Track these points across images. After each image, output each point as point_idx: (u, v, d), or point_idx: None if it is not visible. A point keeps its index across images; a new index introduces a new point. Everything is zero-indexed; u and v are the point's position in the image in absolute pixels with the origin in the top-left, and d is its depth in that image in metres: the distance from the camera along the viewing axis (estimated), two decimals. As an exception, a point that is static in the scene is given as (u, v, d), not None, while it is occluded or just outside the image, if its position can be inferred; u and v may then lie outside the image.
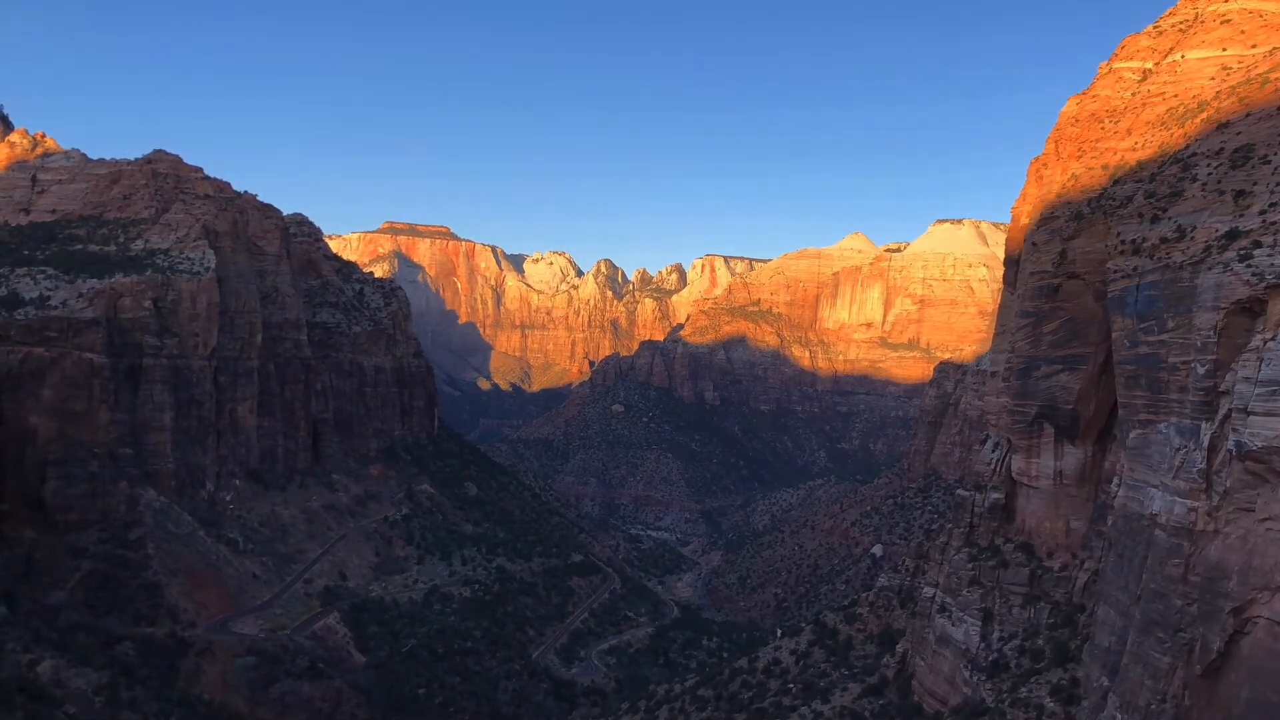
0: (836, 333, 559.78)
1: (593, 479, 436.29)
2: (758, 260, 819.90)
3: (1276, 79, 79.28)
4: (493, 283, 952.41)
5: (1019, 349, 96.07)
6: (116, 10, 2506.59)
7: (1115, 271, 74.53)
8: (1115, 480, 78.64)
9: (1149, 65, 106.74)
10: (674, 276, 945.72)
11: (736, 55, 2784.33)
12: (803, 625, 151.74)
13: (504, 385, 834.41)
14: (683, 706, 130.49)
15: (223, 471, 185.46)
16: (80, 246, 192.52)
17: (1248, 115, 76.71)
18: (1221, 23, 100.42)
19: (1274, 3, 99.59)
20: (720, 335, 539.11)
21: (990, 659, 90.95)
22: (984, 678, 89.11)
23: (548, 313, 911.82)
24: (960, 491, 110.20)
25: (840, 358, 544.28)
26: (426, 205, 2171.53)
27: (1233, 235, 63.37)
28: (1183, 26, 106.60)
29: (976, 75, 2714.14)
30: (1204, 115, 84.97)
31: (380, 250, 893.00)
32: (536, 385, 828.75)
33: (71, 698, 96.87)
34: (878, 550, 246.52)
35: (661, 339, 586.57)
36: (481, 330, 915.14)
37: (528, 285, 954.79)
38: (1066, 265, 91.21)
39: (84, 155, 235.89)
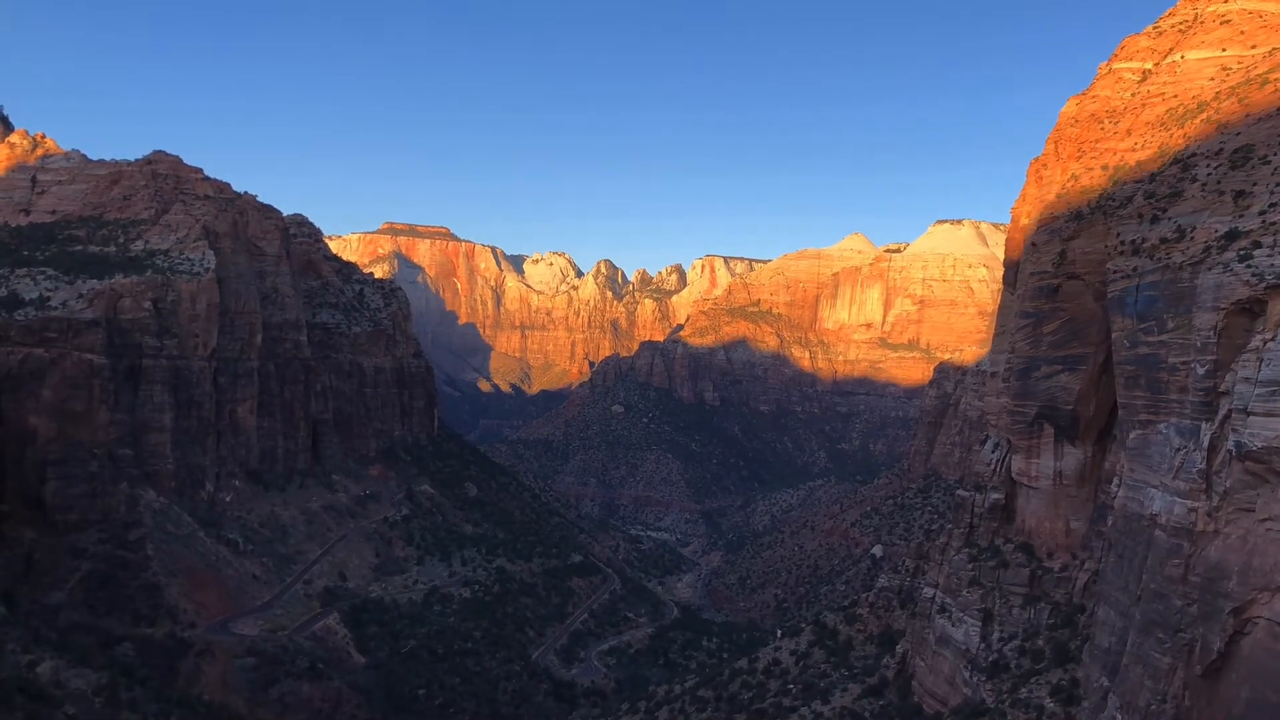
0: (836, 333, 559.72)
1: (593, 479, 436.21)
2: (757, 260, 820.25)
3: (1276, 79, 79.29)
4: (493, 283, 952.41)
5: (1019, 349, 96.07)
6: (116, 10, 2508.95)
7: (1115, 272, 74.53)
8: (1115, 480, 78.63)
9: (1149, 66, 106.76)
10: (674, 277, 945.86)
11: (736, 55, 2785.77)
12: (803, 626, 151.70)
13: (504, 386, 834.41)
14: (683, 707, 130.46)
15: (222, 472, 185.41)
16: (80, 247, 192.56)
17: (1247, 116, 76.74)
18: (1221, 23, 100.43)
19: (1274, 3, 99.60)
20: (720, 336, 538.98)
21: (990, 659, 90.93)
22: (984, 678, 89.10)
23: (548, 313, 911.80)
24: (960, 492, 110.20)
25: (840, 358, 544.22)
26: (426, 205, 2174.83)
27: (1232, 235, 63.37)
28: (1182, 27, 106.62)
29: (976, 75, 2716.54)
30: (1204, 116, 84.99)
31: (380, 251, 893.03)
32: (536, 386, 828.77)
33: (71, 698, 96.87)
34: (878, 551, 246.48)
35: (661, 339, 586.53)
36: (481, 331, 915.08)
37: (528, 286, 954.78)
38: (1066, 265, 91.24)
39: (84, 156, 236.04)
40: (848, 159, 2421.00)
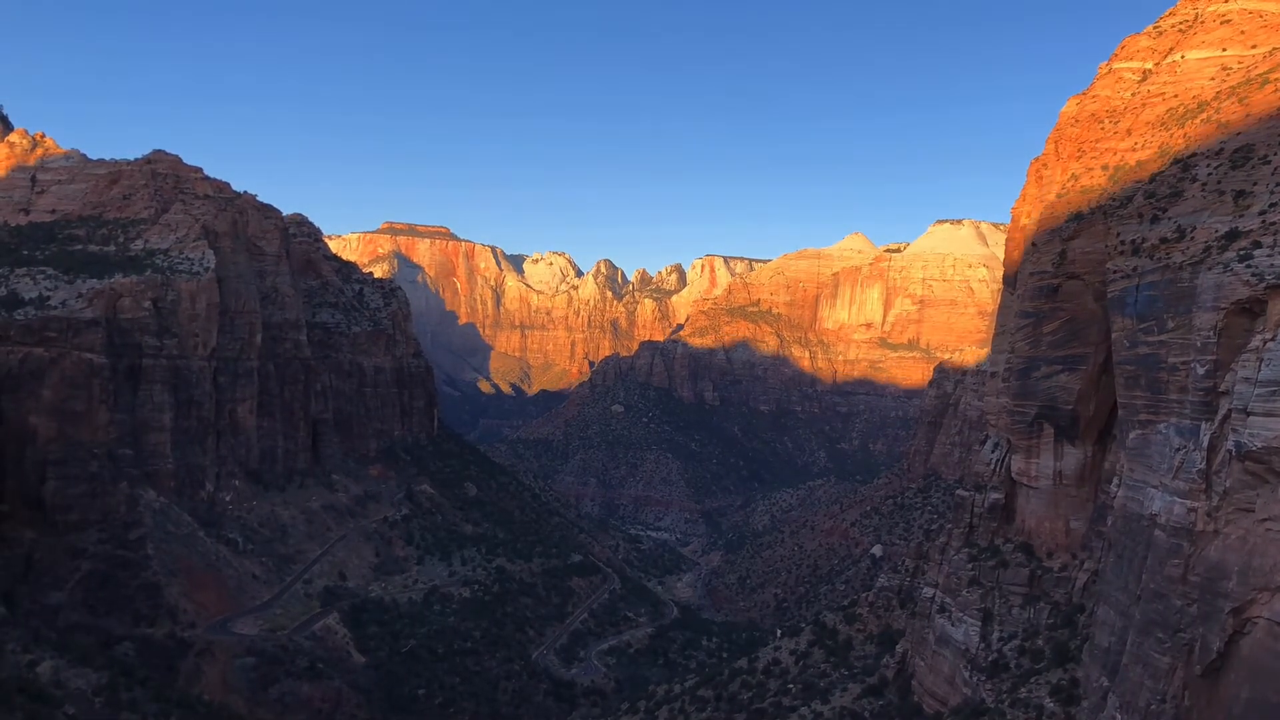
0: (836, 333, 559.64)
1: (592, 479, 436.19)
2: (757, 260, 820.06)
3: (1277, 79, 79.28)
4: (492, 283, 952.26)
5: (1019, 349, 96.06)
6: (116, 11, 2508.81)
7: (1115, 272, 74.51)
8: (1115, 480, 78.63)
9: (1149, 66, 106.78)
10: (674, 277, 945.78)
11: (736, 54, 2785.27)
12: (802, 625, 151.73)
13: (504, 385, 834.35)
14: (682, 707, 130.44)
15: (222, 472, 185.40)
16: (80, 247, 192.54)
17: (1248, 115, 76.75)
18: (1221, 23, 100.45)
19: (1274, 3, 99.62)
20: (720, 336, 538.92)
21: (990, 659, 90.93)
22: (984, 678, 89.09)
23: (547, 313, 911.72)
24: (960, 492, 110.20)
25: (840, 358, 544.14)
26: (426, 205, 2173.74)
27: (1232, 235, 63.36)
28: (1183, 27, 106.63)
29: (976, 75, 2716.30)
30: (1204, 115, 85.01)
31: (380, 250, 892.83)
32: (536, 385, 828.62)
33: (71, 698, 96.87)
34: (877, 550, 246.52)
35: (661, 339, 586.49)
36: (481, 331, 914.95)
37: (527, 285, 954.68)
38: (1066, 265, 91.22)
39: (83, 155, 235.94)
40: (847, 159, 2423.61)
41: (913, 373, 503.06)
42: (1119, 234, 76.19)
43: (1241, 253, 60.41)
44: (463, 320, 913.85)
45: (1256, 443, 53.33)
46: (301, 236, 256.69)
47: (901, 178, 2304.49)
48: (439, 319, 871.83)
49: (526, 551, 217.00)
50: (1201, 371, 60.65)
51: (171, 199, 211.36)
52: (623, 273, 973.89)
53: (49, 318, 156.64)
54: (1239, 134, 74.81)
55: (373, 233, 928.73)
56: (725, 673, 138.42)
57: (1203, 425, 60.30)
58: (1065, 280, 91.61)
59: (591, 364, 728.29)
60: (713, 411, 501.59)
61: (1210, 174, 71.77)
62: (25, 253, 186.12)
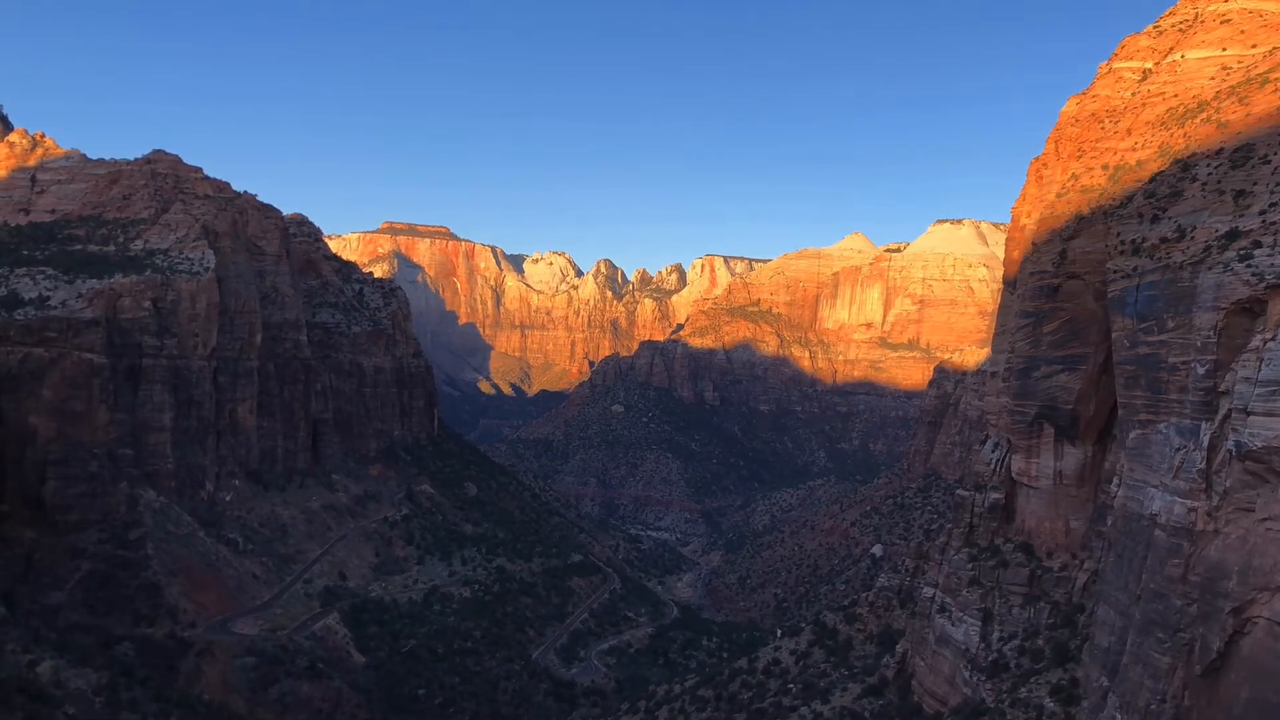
0: (836, 333, 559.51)
1: (592, 479, 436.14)
2: (757, 260, 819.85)
3: (1277, 79, 79.21)
4: (492, 283, 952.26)
5: (1019, 349, 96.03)
6: (116, 11, 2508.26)
7: (1115, 271, 74.46)
8: (1115, 480, 78.61)
9: (1149, 65, 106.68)
10: (674, 277, 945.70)
11: (736, 54, 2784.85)
12: (803, 625, 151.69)
13: (504, 385, 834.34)
14: (683, 707, 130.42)
15: (222, 472, 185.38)
16: (80, 247, 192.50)
17: (1248, 115, 76.68)
18: (1221, 23, 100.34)
19: (1274, 2, 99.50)
20: (720, 335, 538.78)
21: (990, 659, 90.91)
22: (984, 678, 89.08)
23: (547, 313, 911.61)
24: (960, 491, 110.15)
25: (840, 358, 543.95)
26: (426, 205, 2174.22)
27: (1233, 235, 63.31)
28: (1183, 26, 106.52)
29: (976, 75, 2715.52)
30: (1204, 115, 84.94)
31: (380, 250, 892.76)
32: (536, 385, 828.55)
33: (71, 698, 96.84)
34: (878, 550, 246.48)
35: (661, 339, 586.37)
36: (481, 330, 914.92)
37: (527, 285, 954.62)
38: (1066, 265, 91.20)
39: (83, 155, 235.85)
40: (847, 159, 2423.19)
41: (913, 372, 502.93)
42: (1119, 234, 76.12)
43: (1241, 252, 60.37)
44: (463, 320, 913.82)
45: (1256, 442, 53.31)
46: (301, 236, 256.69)
47: (901, 178, 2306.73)
48: (439, 319, 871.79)
49: (527, 551, 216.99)
50: (1201, 371, 60.62)
51: (171, 199, 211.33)
52: (623, 272, 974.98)
53: (49, 318, 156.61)
54: (1239, 134, 74.76)
55: (373, 232, 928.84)
56: (725, 673, 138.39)
57: (1203, 425, 60.26)
58: (1065, 280, 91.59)
59: (591, 364, 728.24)
60: (713, 411, 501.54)
61: (1210, 174, 71.71)
62: (25, 253, 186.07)
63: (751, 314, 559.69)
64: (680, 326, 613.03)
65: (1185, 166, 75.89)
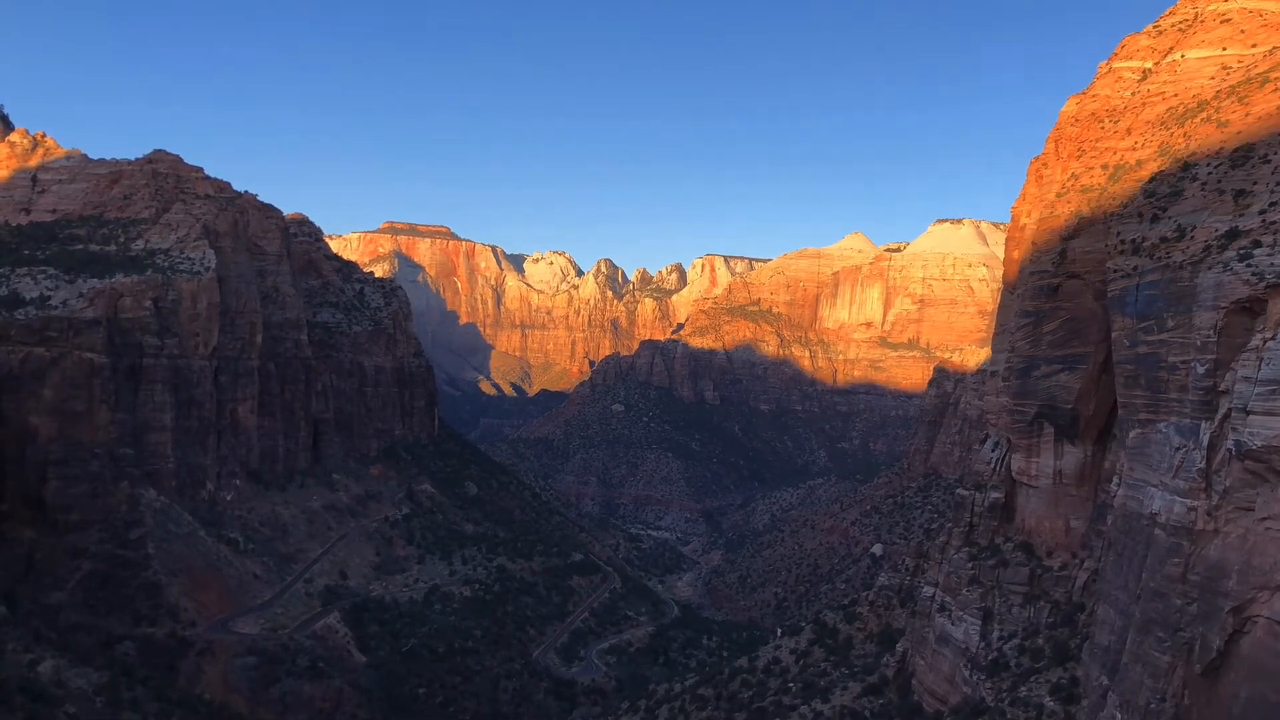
0: (836, 332, 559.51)
1: (593, 479, 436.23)
2: (758, 260, 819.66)
3: (1277, 78, 79.23)
4: (493, 283, 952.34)
5: (1019, 348, 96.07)
6: (117, 11, 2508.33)
7: (1115, 271, 74.51)
8: (1115, 480, 78.64)
9: (1149, 65, 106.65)
10: (674, 276, 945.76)
11: (736, 54, 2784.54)
12: (803, 624, 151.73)
13: (504, 385, 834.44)
14: (683, 706, 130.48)
15: (223, 471, 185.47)
16: (80, 246, 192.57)
17: (1248, 115, 76.71)
18: (1221, 22, 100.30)
19: (1274, 2, 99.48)
20: (720, 335, 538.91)
21: (990, 658, 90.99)
22: (984, 677, 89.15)
23: (548, 312, 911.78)
24: (960, 491, 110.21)
25: (840, 357, 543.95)
26: (426, 205, 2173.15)
27: (1233, 235, 63.35)
28: (1183, 26, 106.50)
29: (977, 75, 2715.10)
30: (1204, 115, 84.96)
31: (380, 250, 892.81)
32: (537, 385, 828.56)
33: (72, 698, 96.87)
34: (878, 550, 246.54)
35: (662, 339, 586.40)
36: (482, 330, 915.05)
37: (528, 285, 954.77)
38: (1066, 265, 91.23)
39: (84, 155, 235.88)
40: (847, 159, 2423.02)
41: (913, 372, 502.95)
42: (1119, 233, 76.17)
43: (1241, 252, 60.42)
44: (463, 320, 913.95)
45: (1256, 442, 53.37)
46: (302, 236, 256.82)
47: (901, 177, 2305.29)
48: (439, 318, 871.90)
49: (527, 550, 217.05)
50: (1201, 371, 60.67)
51: (172, 199, 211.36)
52: (623, 272, 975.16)
53: (50, 317, 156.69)
54: (1239, 133, 74.78)
55: (373, 232, 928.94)
56: (725, 671, 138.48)
57: (1203, 424, 60.32)
58: (1065, 279, 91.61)
59: (592, 363, 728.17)
60: (713, 411, 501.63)
61: (1210, 173, 71.74)
62: (26, 252, 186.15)
63: (752, 314, 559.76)
64: (680, 326, 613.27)
65: (1185, 166, 75.94)
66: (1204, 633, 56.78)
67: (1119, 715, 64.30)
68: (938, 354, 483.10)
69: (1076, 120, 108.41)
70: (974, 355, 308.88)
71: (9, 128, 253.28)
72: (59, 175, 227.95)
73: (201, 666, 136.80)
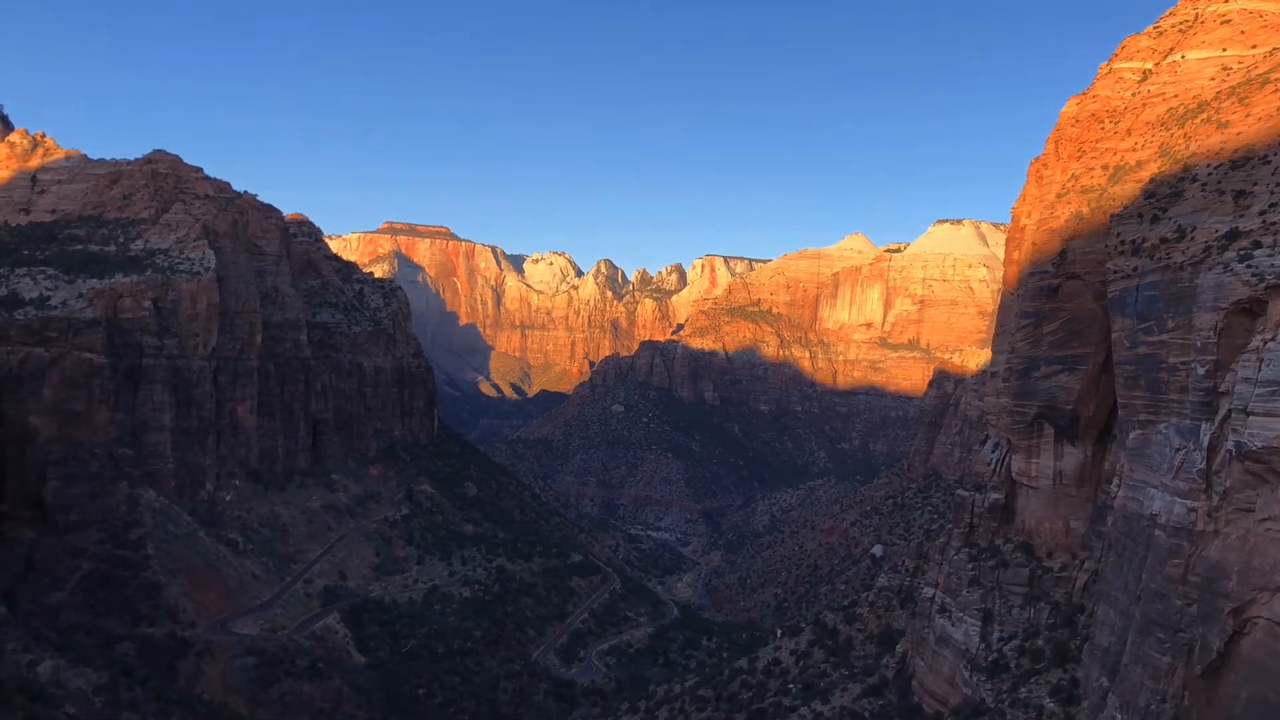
0: (836, 333, 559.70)
1: (593, 479, 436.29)
2: (758, 260, 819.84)
3: (1277, 79, 79.22)
4: (493, 283, 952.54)
5: (1019, 349, 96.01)
6: (117, 11, 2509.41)
7: (1115, 272, 74.48)
8: (1115, 480, 78.58)
9: (1149, 65, 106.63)
10: (674, 277, 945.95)
11: (736, 55, 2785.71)
12: (803, 625, 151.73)
13: (504, 386, 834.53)
14: (682, 706, 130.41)
15: (223, 472, 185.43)
16: (80, 246, 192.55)
17: (1248, 115, 76.69)
18: (1221, 23, 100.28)
19: (1274, 3, 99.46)
20: (720, 336, 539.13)
21: (990, 659, 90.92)
22: (984, 678, 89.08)
23: (548, 313, 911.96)
24: (960, 492, 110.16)
25: (840, 358, 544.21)
26: (426, 205, 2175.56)
27: (1233, 235, 63.32)
28: (1183, 27, 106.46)
29: (977, 74, 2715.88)
30: (1204, 115, 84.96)
31: (380, 250, 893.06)
32: (536, 385, 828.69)
33: (71, 698, 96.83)
34: (878, 550, 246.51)
35: (662, 339, 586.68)
36: (481, 330, 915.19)
37: (528, 285, 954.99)
38: (1066, 265, 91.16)
39: (84, 155, 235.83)
40: (848, 159, 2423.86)
41: (913, 372, 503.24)
42: (1119, 234, 76.13)
43: (1241, 253, 60.38)
44: (463, 320, 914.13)
45: (1256, 443, 53.33)
46: (302, 236, 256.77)
47: (901, 178, 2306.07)
48: (439, 319, 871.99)
49: (527, 551, 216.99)
50: (1201, 371, 60.64)
51: (172, 199, 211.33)
52: (623, 273, 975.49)
53: (49, 318, 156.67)
54: (1239, 134, 74.75)
55: (373, 233, 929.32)
56: (725, 672, 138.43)
57: (1203, 425, 60.28)
58: (1065, 280, 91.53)
59: (592, 364, 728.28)
60: (713, 411, 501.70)
61: (1210, 174, 71.73)
62: (26, 253, 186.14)
63: (752, 314, 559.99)
64: (680, 326, 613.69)
65: (1185, 166, 75.93)
66: (1204, 634, 56.74)
67: (1119, 716, 64.24)
68: (938, 355, 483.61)
69: (1077, 121, 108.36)
70: (974, 356, 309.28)
71: (9, 128, 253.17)
72: (58, 175, 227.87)
73: (201, 667, 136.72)
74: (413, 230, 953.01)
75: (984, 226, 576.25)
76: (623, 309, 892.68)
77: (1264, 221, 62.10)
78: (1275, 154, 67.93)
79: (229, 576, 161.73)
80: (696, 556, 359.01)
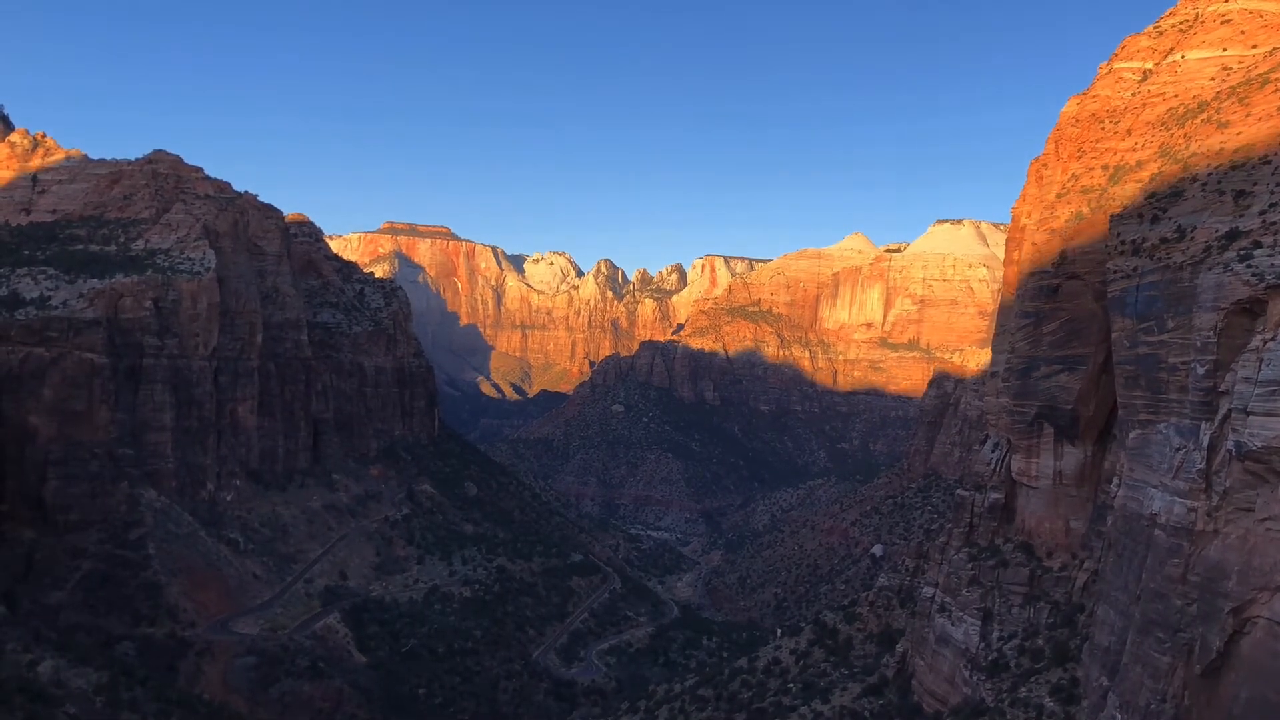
0: (837, 333, 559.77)
1: (593, 479, 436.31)
2: (758, 260, 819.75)
3: (1277, 79, 79.26)
4: (493, 283, 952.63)
5: (1019, 349, 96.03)
6: (117, 11, 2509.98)
7: (1115, 272, 74.51)
8: (1115, 480, 78.62)
9: (1149, 65, 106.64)
10: (674, 277, 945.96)
11: (736, 56, 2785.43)
12: (803, 625, 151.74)
13: (504, 385, 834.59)
14: (683, 706, 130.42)
15: (223, 471, 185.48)
16: (81, 246, 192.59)
17: (1248, 115, 76.72)
18: (1222, 23, 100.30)
19: (1274, 3, 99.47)
20: (720, 336, 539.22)
21: (990, 659, 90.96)
22: (984, 677, 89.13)
23: (548, 313, 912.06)
24: (960, 491, 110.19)
25: (840, 358, 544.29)
26: (427, 205, 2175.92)
27: (1233, 235, 63.35)
28: (1183, 27, 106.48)
29: (977, 75, 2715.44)
30: (1204, 115, 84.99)
31: (381, 250, 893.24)
32: (537, 385, 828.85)
33: (71, 698, 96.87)
34: (878, 550, 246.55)
35: (662, 339, 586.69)
36: (482, 330, 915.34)
37: (528, 285, 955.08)
38: (1066, 265, 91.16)
39: (84, 155, 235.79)
40: (848, 159, 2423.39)
41: (913, 372, 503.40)
42: (1119, 234, 76.16)
43: (1241, 252, 60.41)
44: (464, 320, 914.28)
45: (1256, 443, 53.36)
46: (302, 236, 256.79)
47: (901, 178, 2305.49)
48: (440, 319, 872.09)
49: (527, 551, 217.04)
50: (1201, 371, 60.66)
51: (172, 199, 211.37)
52: (623, 273, 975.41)
53: (50, 318, 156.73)
54: (1239, 134, 74.78)
55: (373, 233, 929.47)
56: (725, 672, 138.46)
57: (1203, 425, 60.31)
58: (1065, 280, 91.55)
59: (592, 364, 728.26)
60: (713, 411, 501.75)
61: (1210, 174, 71.75)
62: (26, 253, 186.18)
63: (752, 314, 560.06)
64: (681, 326, 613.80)
65: (1185, 166, 75.97)
66: (1204, 633, 56.77)
67: (1119, 716, 64.28)
68: (938, 355, 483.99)
69: (1077, 121, 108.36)
70: (974, 356, 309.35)
71: (9, 128, 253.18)
72: (59, 176, 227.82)
73: (201, 667, 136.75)
74: (413, 230, 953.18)
75: (984, 226, 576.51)
76: (623, 309, 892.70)
77: (1264, 221, 62.13)
78: (1275, 154, 67.96)
79: (229, 576, 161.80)
80: (696, 556, 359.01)
